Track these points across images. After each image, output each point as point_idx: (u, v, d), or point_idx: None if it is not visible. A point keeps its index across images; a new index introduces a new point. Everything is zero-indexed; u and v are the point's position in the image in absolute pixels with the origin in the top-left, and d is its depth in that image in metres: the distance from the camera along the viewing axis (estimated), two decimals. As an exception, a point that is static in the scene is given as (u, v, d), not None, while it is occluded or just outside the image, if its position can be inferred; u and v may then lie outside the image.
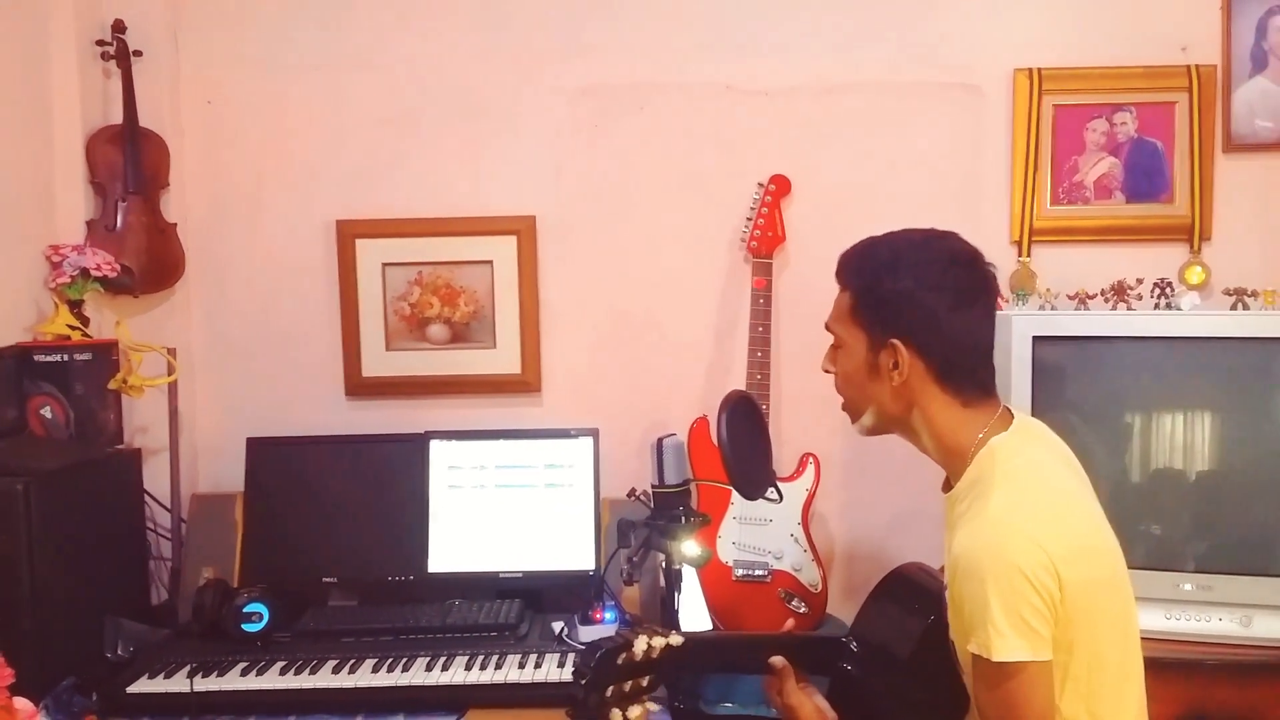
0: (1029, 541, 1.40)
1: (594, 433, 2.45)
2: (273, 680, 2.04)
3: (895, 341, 1.54)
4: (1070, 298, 2.52)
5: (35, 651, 1.96)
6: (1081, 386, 2.31)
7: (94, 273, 2.33)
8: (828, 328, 1.66)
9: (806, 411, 2.64)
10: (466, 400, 2.68)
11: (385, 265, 2.65)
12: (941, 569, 1.78)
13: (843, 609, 2.56)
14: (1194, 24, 2.58)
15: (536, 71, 2.63)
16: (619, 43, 2.63)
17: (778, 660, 1.61)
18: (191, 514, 2.52)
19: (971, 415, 1.55)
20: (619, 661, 1.49)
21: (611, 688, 1.49)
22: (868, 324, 1.57)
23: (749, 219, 2.59)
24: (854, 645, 1.66)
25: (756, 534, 2.49)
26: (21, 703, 1.71)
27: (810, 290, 2.56)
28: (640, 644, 1.49)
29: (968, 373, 1.56)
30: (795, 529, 2.49)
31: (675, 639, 1.52)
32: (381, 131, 2.65)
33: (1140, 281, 2.50)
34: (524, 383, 2.67)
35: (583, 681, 1.47)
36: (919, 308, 1.53)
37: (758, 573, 2.47)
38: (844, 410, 1.68)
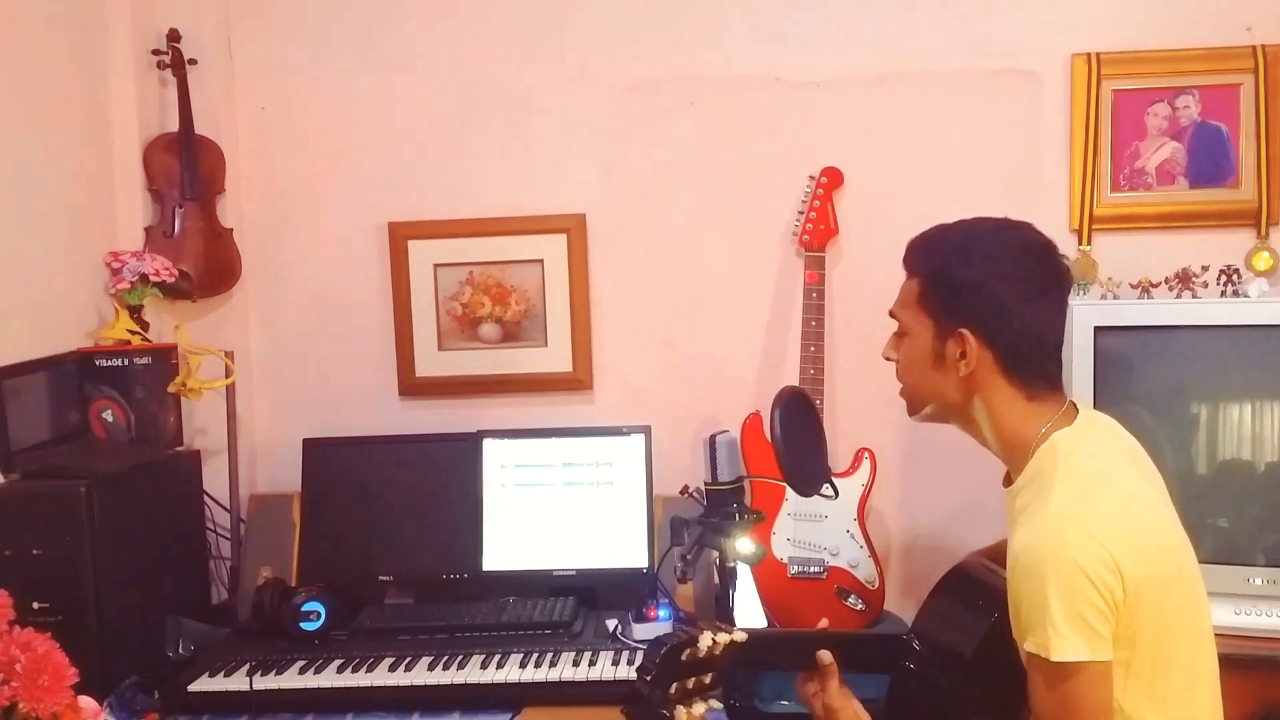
0: (1090, 538, 1.37)
1: (646, 430, 2.44)
2: (330, 678, 2.06)
3: (964, 330, 1.51)
4: (1133, 286, 2.45)
5: (99, 651, 2.00)
6: (1145, 377, 2.25)
7: (153, 278, 2.37)
8: (893, 314, 1.63)
9: (862, 406, 2.60)
10: (519, 399, 2.69)
11: (437, 266, 2.66)
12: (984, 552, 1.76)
13: (901, 606, 2.53)
14: (1259, 2, 2.50)
15: (584, 69, 2.63)
16: (666, 38, 2.61)
17: (825, 656, 1.58)
18: (250, 514, 2.56)
19: (1035, 409, 1.52)
20: (683, 658, 1.48)
21: (675, 684, 1.48)
22: (936, 311, 1.55)
23: (801, 212, 2.56)
24: (916, 643, 1.63)
25: (812, 530, 2.46)
26: (86, 701, 1.74)
27: (864, 283, 2.55)
28: (705, 640, 1.48)
29: (1035, 366, 1.53)
30: (851, 525, 2.46)
31: (739, 635, 1.51)
32: (431, 133, 2.66)
33: (1206, 269, 2.43)
34: (576, 381, 2.67)
35: (648, 677, 1.46)
36: (989, 297, 1.50)
37: (813, 570, 2.44)
38: (902, 396, 1.65)
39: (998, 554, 1.67)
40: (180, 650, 2.15)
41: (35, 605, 1.95)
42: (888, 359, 1.65)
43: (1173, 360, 2.25)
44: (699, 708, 1.51)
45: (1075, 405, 1.56)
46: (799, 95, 2.60)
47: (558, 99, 2.64)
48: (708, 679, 1.52)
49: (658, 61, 2.62)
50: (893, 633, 1.77)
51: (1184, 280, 2.43)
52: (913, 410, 1.64)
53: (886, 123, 2.59)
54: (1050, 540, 1.39)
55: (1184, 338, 2.23)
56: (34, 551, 2.00)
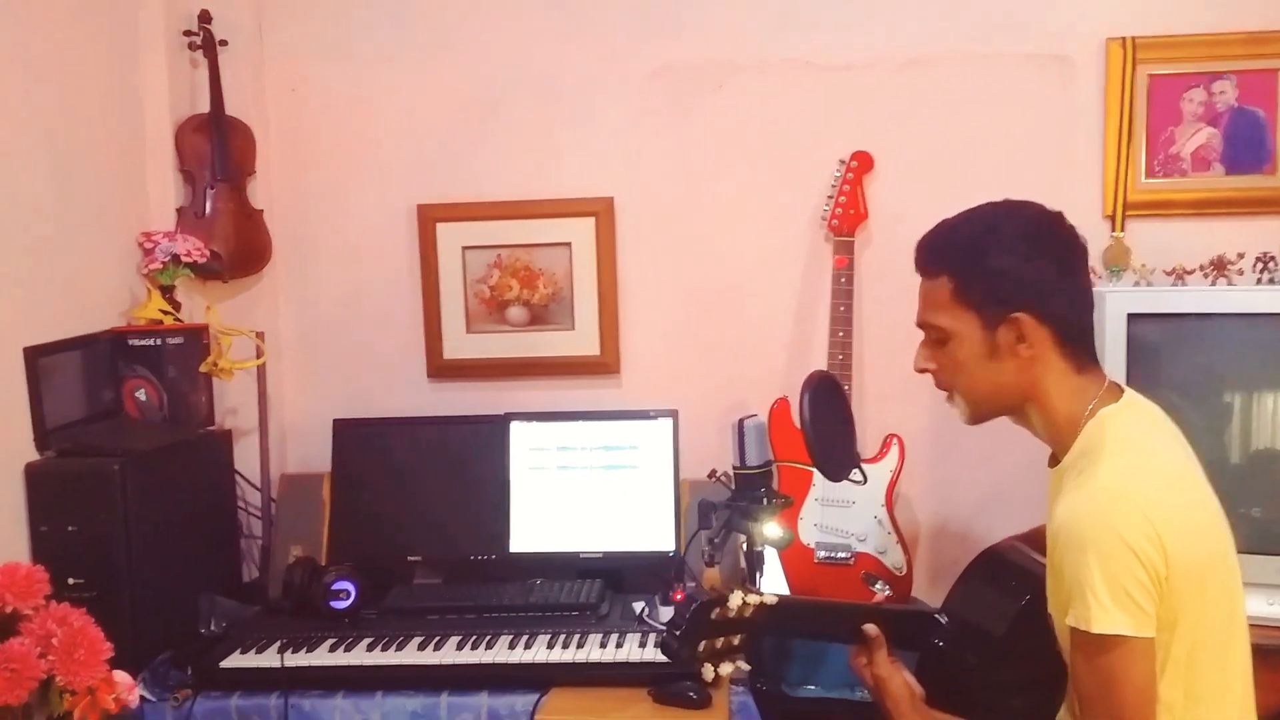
0: (1136, 512, 1.36)
1: (673, 414, 2.44)
2: (360, 656, 2.08)
3: (1017, 315, 1.48)
4: (1167, 273, 2.43)
5: (132, 627, 2.03)
6: (1179, 365, 2.23)
7: (184, 258, 2.39)
8: (922, 324, 1.59)
9: (890, 392, 2.59)
10: (546, 382, 2.69)
11: (465, 248, 2.67)
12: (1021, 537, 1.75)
13: (928, 592, 2.52)
14: (1299, -15, 2.47)
15: (614, 52, 2.62)
16: (697, 21, 2.60)
17: (872, 628, 1.59)
18: (280, 493, 2.57)
19: (1084, 384, 1.51)
20: (712, 616, 1.48)
21: (704, 643, 1.49)
22: (978, 304, 1.51)
23: (830, 197, 2.55)
24: (944, 620, 1.63)
25: (839, 516, 2.46)
26: (120, 676, 1.77)
27: (894, 268, 2.50)
28: (735, 599, 1.49)
29: (1082, 335, 1.52)
30: (879, 511, 2.45)
31: (770, 598, 1.52)
32: (461, 115, 2.66)
33: (1241, 256, 2.41)
34: (603, 364, 2.67)
35: (677, 632, 1.47)
36: (1033, 275, 1.48)
37: (840, 555, 2.44)
38: (956, 404, 1.59)
39: (1033, 539, 1.67)
40: (212, 627, 2.17)
41: (70, 581, 1.99)
42: (923, 371, 1.61)
43: (1207, 348, 2.22)
44: (726, 667, 1.52)
45: (1118, 385, 1.55)
46: (829, 78, 2.58)
47: (587, 82, 2.63)
48: (736, 640, 1.53)
49: (687, 44, 2.60)
50: (923, 609, 1.77)
51: (1219, 267, 2.41)
52: (969, 410, 1.58)
53: (917, 107, 2.57)
54: (1095, 512, 1.37)
55: (1218, 326, 2.21)
56: (69, 528, 2.03)
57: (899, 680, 1.57)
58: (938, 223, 1.60)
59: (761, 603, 1.50)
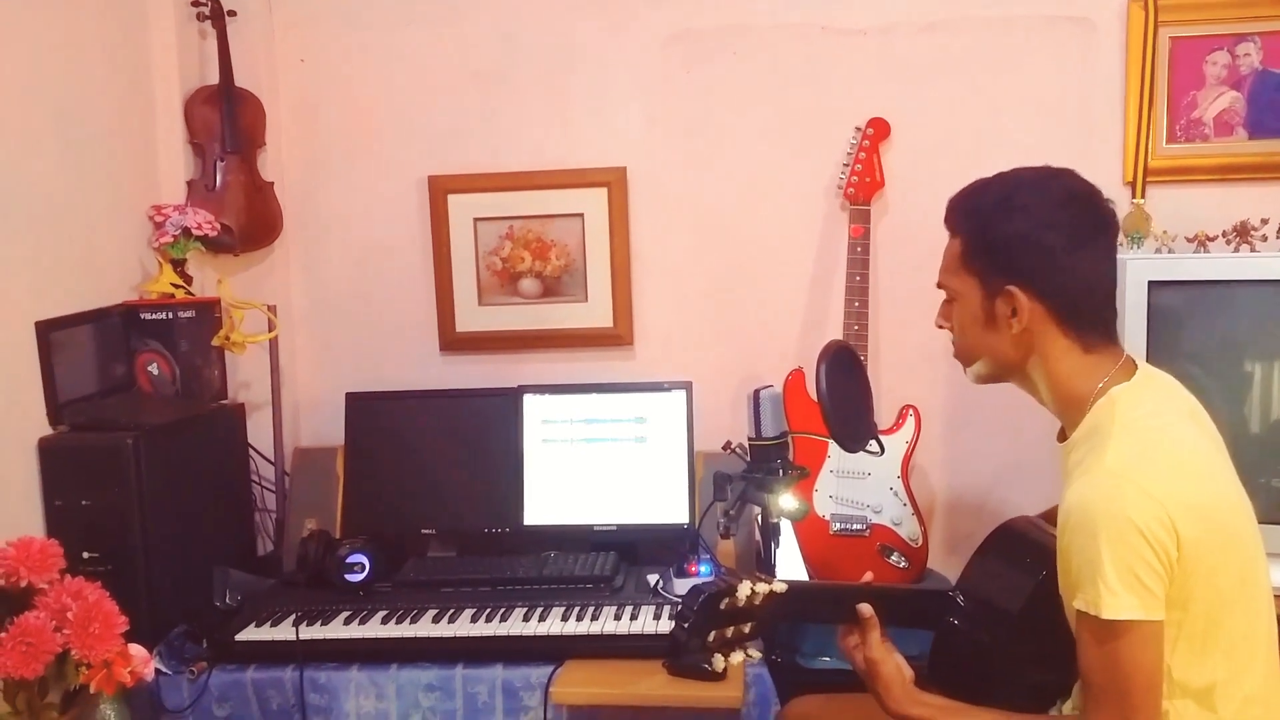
0: (1146, 496, 1.34)
1: (687, 386, 2.42)
2: (375, 629, 2.08)
3: (1012, 287, 1.47)
4: (1189, 240, 2.40)
5: (148, 600, 2.04)
6: (1200, 334, 2.20)
7: (195, 232, 2.37)
8: (940, 284, 1.60)
9: (906, 362, 2.57)
10: (559, 354, 2.68)
11: (477, 220, 2.64)
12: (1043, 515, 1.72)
13: (944, 564, 2.51)
14: (1327, -57, 2.41)
15: (626, 19, 2.58)
16: (709, -15, 2.56)
17: (866, 609, 1.57)
18: (294, 467, 2.57)
19: (1093, 362, 1.49)
20: (721, 606, 1.47)
21: (714, 633, 1.48)
22: (981, 271, 1.51)
23: (846, 165, 2.51)
24: (961, 599, 1.61)
25: (855, 487, 2.44)
26: (136, 649, 1.78)
27: (911, 238, 2.51)
28: (744, 589, 1.48)
29: (1090, 315, 1.49)
30: (895, 482, 2.43)
31: (779, 586, 1.51)
32: (472, 85, 2.63)
33: (1265, 222, 2.37)
34: (616, 336, 2.65)
35: (685, 625, 1.46)
36: (1035, 249, 1.46)
37: (856, 527, 2.43)
38: (957, 359, 1.62)
39: (1052, 518, 1.65)
40: (227, 600, 2.18)
41: (85, 555, 2.00)
42: (940, 327, 1.62)
43: (1229, 316, 2.19)
44: (737, 656, 1.51)
45: (1133, 360, 1.53)
46: (845, 44, 2.54)
47: (599, 50, 2.59)
48: (747, 628, 1.52)
49: (701, 11, 2.56)
50: (938, 588, 1.75)
51: (1242, 234, 2.37)
52: (968, 371, 1.61)
53: (935, 72, 2.53)
54: (1105, 496, 1.36)
55: (1241, 293, 2.18)
56: (83, 502, 2.03)
57: (892, 663, 1.55)
58: (974, 180, 1.58)
59: (771, 591, 1.49)
